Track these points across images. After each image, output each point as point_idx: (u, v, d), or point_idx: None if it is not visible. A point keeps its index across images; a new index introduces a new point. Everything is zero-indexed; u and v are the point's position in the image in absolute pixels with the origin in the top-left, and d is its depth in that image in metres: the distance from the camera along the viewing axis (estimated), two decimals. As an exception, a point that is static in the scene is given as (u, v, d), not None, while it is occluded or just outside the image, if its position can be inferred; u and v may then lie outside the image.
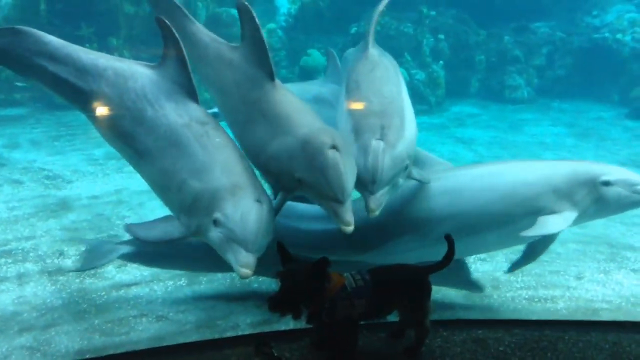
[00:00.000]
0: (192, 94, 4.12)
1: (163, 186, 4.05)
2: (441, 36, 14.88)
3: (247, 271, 3.43)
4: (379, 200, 3.81)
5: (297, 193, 4.03)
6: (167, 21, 4.15)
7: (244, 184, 3.79)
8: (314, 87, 5.65)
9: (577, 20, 16.01)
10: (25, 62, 4.34)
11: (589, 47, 15.09)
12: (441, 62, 14.35)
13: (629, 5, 15.99)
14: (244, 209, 3.61)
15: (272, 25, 15.16)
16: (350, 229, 3.58)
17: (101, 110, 4.24)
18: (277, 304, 2.75)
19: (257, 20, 4.13)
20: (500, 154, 10.03)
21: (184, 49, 4.11)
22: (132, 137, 4.09)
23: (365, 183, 3.81)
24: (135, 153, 4.14)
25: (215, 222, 3.65)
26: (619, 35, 14.86)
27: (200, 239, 3.87)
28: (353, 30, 14.09)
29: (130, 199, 7.10)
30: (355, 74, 4.63)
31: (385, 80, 4.61)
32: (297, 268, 2.83)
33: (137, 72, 4.20)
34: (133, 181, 7.08)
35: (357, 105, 4.35)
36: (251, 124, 4.10)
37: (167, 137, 3.98)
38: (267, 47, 4.18)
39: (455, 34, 14.99)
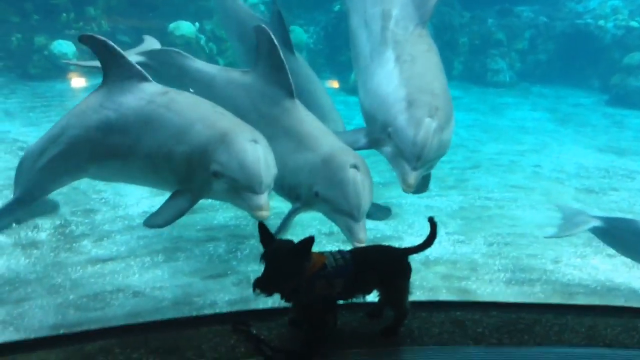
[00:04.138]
0: (142, 76, 4.16)
1: (153, 169, 4.05)
2: (425, 17, 14.79)
3: (264, 213, 3.52)
4: (418, 177, 3.81)
5: (311, 208, 4.06)
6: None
7: (231, 129, 3.78)
8: None
9: (560, 5, 16.05)
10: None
11: (571, 32, 15.16)
12: (424, 43, 14.28)
13: (612, -8, 16.07)
14: (239, 153, 3.63)
15: (254, 0, 14.92)
16: (362, 246, 3.61)
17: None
18: (264, 285, 2.71)
19: (275, 41, 4.25)
20: (480, 136, 10.07)
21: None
22: (113, 147, 4.15)
23: (409, 158, 3.80)
24: (122, 161, 4.19)
25: (216, 174, 3.66)
26: (601, 22, 14.95)
27: (211, 197, 3.90)
28: (336, 7, 13.94)
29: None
30: (411, 46, 4.56)
31: (440, 66, 4.65)
32: (282, 248, 2.79)
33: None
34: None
35: (415, 80, 4.30)
36: (273, 140, 4.06)
37: (138, 122, 3.96)
38: (286, 66, 4.28)
39: (440, 15, 14.92)
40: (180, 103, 3.99)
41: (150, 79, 4.19)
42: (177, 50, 5.04)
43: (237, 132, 3.77)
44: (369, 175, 3.93)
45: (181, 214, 4.01)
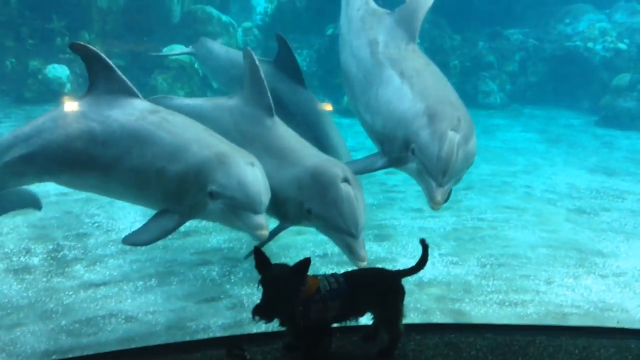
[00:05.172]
0: (131, 92, 4.14)
1: (140, 185, 4.01)
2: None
3: (263, 232, 3.56)
4: (446, 192, 3.72)
5: (305, 224, 4.04)
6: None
7: (228, 151, 3.80)
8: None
9: (549, 28, 16.30)
10: None
11: (560, 54, 15.36)
12: (416, 65, 14.42)
13: (600, 14, 16.33)
14: (239, 174, 3.66)
15: (248, 24, 15.08)
16: (364, 264, 3.59)
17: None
18: (264, 311, 2.70)
19: (257, 62, 4.33)
20: (473, 158, 10.11)
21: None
22: (93, 159, 4.07)
23: (435, 174, 3.70)
24: (102, 174, 4.13)
25: (212, 195, 3.67)
26: (590, 44, 15.16)
27: (201, 218, 3.87)
28: (329, 31, 14.10)
29: (100, 197, 6.89)
30: (410, 61, 4.49)
31: (445, 79, 4.56)
32: (279, 273, 2.79)
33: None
34: (104, 178, 6.96)
35: (430, 91, 4.19)
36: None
37: (126, 137, 3.94)
38: (266, 86, 4.34)
39: (431, 39, 15.12)
40: (172, 123, 4.00)
41: (140, 95, 4.16)
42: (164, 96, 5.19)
43: (235, 154, 3.81)
44: (359, 186, 3.90)
45: (165, 234, 3.95)
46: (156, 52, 9.85)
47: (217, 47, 6.81)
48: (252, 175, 3.68)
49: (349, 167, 4.25)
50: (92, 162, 4.08)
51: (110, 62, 4.15)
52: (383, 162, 4.32)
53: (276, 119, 4.36)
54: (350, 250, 3.67)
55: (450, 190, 4.58)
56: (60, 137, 4.18)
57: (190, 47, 7.35)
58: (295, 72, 5.41)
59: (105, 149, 4.00)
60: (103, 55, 4.13)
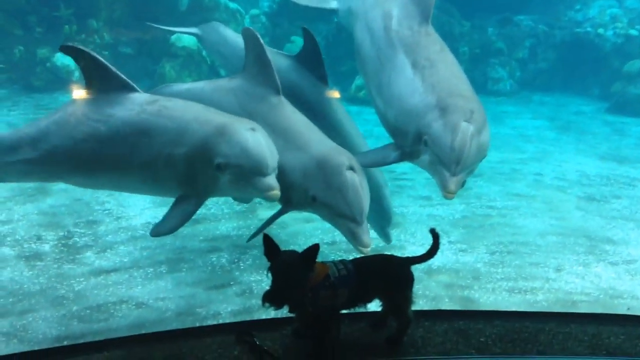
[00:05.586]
0: (128, 87, 4.09)
1: (153, 176, 4.03)
2: (425, 26, 14.85)
3: (275, 192, 3.61)
4: (459, 182, 3.73)
5: (307, 209, 4.04)
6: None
7: (227, 122, 3.81)
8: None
9: (559, 14, 16.11)
10: None
11: (571, 41, 15.20)
12: (425, 52, 14.33)
13: (611, 0, 16.11)
14: (241, 141, 3.68)
15: (255, 11, 15.01)
16: (367, 250, 3.60)
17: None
18: (274, 298, 2.71)
19: (261, 41, 4.27)
20: (482, 145, 10.06)
21: None
22: (106, 159, 4.06)
23: (448, 163, 3.70)
24: (114, 172, 4.14)
25: (220, 167, 3.69)
26: (600, 30, 14.99)
27: (217, 195, 3.89)
28: (337, 18, 13.99)
29: (110, 184, 7.01)
30: (423, 49, 4.44)
31: (458, 66, 4.52)
32: (288, 260, 2.79)
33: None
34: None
35: (442, 84, 4.16)
36: None
37: (131, 133, 3.95)
38: (272, 63, 4.28)
39: (440, 25, 14.95)
40: (170, 108, 3.99)
41: (137, 88, 4.12)
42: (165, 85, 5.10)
43: (234, 123, 3.80)
44: (364, 174, 3.92)
45: (188, 218, 3.99)
46: (158, 26, 8.99)
47: (231, 33, 6.43)
48: (254, 139, 3.69)
49: (362, 158, 4.25)
50: (102, 163, 4.09)
51: (104, 60, 4.08)
52: (396, 155, 4.29)
53: (282, 98, 4.30)
54: (354, 237, 3.68)
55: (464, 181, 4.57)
56: (67, 141, 4.14)
57: (197, 29, 6.87)
58: (319, 69, 5.14)
59: (113, 148, 4.01)
60: (95, 54, 4.07)
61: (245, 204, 6.43)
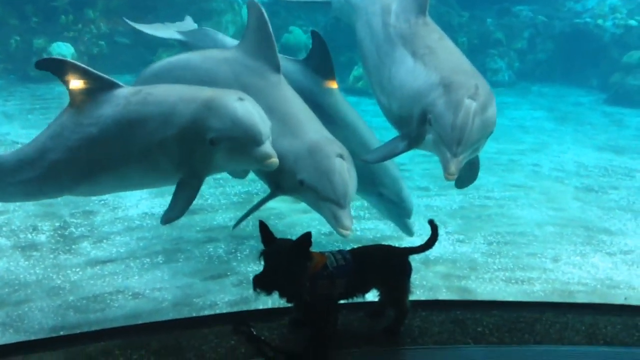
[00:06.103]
0: (111, 84, 4.05)
1: (153, 166, 4.02)
2: (424, 17, 14.79)
3: (272, 160, 3.60)
4: (460, 163, 3.64)
5: (294, 194, 4.02)
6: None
7: (213, 95, 3.79)
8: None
9: (558, 5, 16.04)
10: None
11: (570, 31, 15.14)
12: (423, 42, 14.28)
13: (610, -10, 16.07)
14: (229, 113, 3.65)
15: (253, 1, 14.92)
16: (348, 233, 3.61)
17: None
18: (263, 283, 2.71)
19: (266, 16, 4.18)
20: (480, 136, 10.04)
21: None
22: (104, 161, 4.03)
23: (449, 144, 3.62)
24: (116, 172, 4.10)
25: (213, 142, 3.67)
26: (599, 21, 14.93)
27: (216, 171, 3.90)
28: (331, 12, 13.92)
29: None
30: (422, 39, 4.39)
31: (459, 50, 4.48)
32: (281, 247, 2.79)
33: None
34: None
35: (444, 64, 4.11)
36: None
37: (122, 128, 3.93)
38: (274, 40, 4.20)
39: (438, 15, 14.90)
40: (154, 94, 3.97)
41: (120, 83, 4.06)
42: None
43: (221, 95, 3.77)
44: (354, 166, 3.91)
45: (192, 199, 3.99)
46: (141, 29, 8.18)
47: (226, 40, 5.87)
48: (243, 109, 3.65)
49: (373, 155, 4.29)
50: (102, 165, 4.07)
51: (82, 65, 4.05)
52: (404, 144, 4.24)
53: (282, 78, 4.24)
54: (336, 219, 3.66)
55: (477, 170, 4.51)
56: (64, 153, 4.09)
57: (184, 35, 6.49)
58: (329, 73, 5.03)
59: (109, 147, 3.99)
60: (72, 60, 4.07)
61: (242, 195, 6.42)
